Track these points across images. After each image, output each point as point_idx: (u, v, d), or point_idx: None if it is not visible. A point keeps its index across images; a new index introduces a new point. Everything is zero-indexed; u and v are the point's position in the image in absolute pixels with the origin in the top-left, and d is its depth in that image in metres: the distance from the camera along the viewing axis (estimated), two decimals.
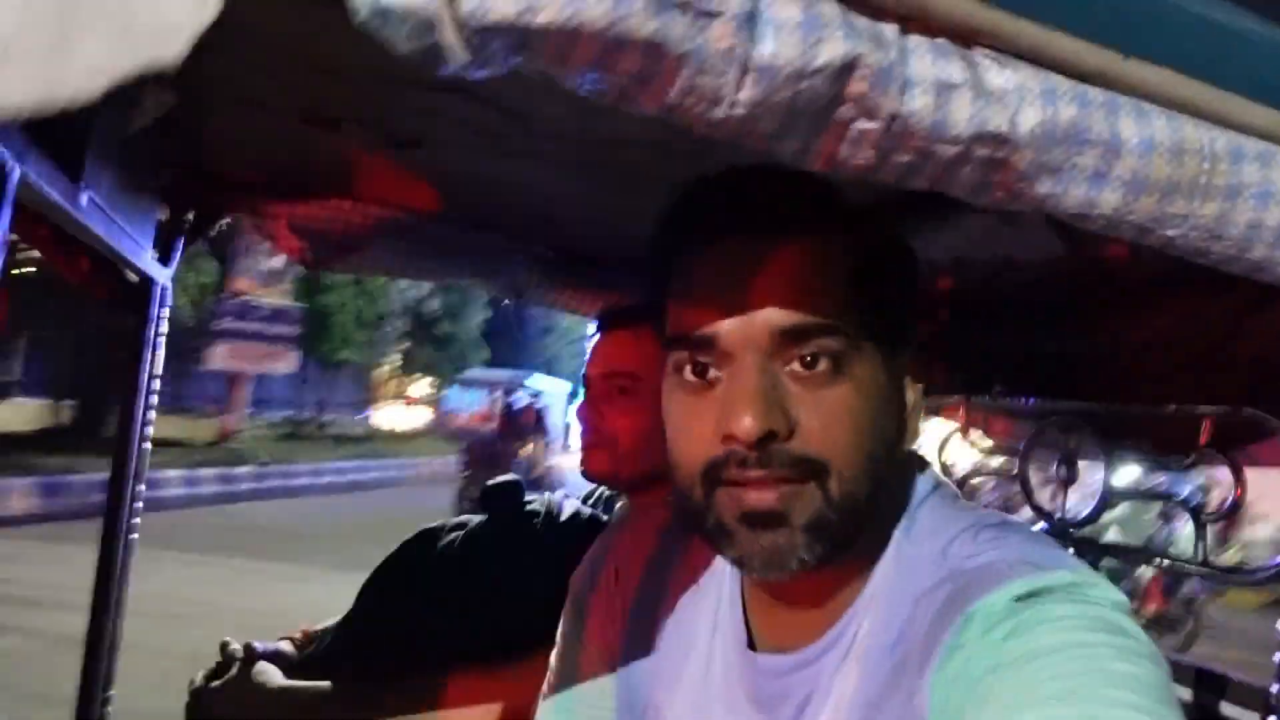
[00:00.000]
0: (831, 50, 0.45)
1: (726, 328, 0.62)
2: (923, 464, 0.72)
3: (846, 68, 0.45)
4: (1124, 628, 0.53)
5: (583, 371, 1.28)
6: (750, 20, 0.44)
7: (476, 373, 20.94)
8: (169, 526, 7.96)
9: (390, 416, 23.83)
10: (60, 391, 14.53)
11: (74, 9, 0.32)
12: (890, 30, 0.47)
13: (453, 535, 1.42)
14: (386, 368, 23.01)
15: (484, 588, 1.26)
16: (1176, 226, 0.54)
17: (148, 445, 1.28)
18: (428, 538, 1.45)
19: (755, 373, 0.60)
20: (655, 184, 1.32)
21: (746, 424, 0.59)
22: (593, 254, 1.70)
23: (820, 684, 0.65)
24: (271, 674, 1.23)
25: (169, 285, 1.27)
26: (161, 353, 1.27)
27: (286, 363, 16.45)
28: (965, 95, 0.48)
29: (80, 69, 0.32)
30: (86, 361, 13.14)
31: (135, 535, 1.25)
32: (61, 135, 0.75)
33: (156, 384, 1.28)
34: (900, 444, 0.67)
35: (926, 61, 0.47)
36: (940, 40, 0.48)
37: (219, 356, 15.26)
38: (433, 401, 24.02)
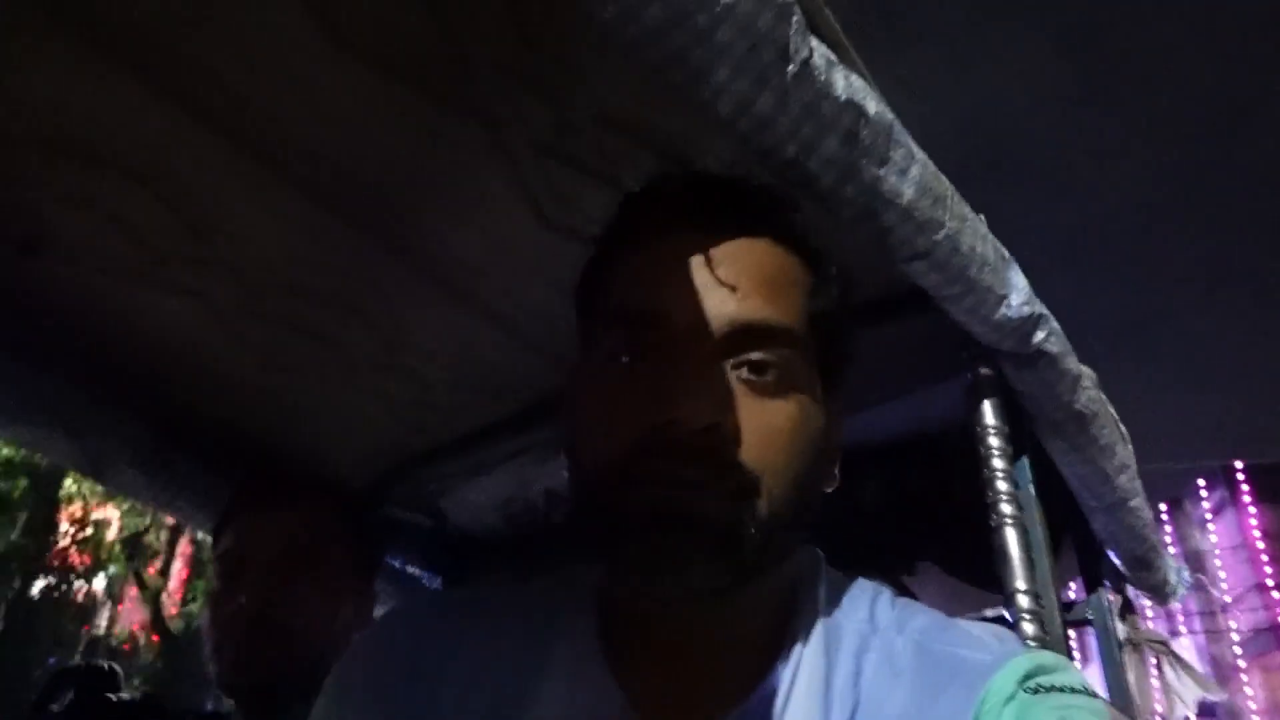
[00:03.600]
0: None
1: (681, 306, 0.55)
2: None
3: None
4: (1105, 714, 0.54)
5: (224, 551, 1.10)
6: None
7: None
8: None
9: None
10: None
11: None
12: None
13: None
14: None
15: None
16: None
17: None
18: None
19: (707, 360, 0.53)
20: (305, 325, 1.11)
21: (688, 409, 0.51)
22: (208, 428, 1.36)
23: None
24: None
25: None
26: None
27: None
28: None
29: None
30: None
31: None
32: None
33: None
34: (826, 485, 0.60)
35: None
36: None
37: None
38: None
